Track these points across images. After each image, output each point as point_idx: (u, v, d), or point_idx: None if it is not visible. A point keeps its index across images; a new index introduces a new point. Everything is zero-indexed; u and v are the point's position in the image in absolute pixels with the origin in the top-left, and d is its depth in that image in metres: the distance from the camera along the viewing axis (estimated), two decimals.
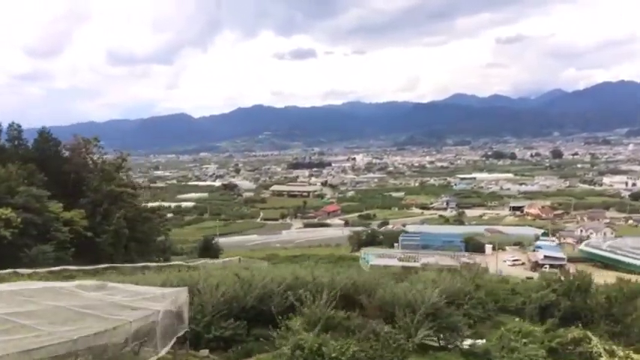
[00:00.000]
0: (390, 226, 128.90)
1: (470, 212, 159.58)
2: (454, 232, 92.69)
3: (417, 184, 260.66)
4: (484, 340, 19.23)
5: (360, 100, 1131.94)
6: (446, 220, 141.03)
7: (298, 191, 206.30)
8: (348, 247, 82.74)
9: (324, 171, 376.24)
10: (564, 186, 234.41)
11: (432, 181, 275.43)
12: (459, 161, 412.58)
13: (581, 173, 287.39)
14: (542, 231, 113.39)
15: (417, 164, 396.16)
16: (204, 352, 15.66)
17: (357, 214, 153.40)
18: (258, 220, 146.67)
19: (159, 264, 31.01)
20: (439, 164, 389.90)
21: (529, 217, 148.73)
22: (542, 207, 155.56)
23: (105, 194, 37.82)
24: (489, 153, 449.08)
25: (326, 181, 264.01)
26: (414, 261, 51.43)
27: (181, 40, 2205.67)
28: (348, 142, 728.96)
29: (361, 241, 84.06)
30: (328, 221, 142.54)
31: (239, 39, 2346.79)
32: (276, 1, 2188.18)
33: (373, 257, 56.26)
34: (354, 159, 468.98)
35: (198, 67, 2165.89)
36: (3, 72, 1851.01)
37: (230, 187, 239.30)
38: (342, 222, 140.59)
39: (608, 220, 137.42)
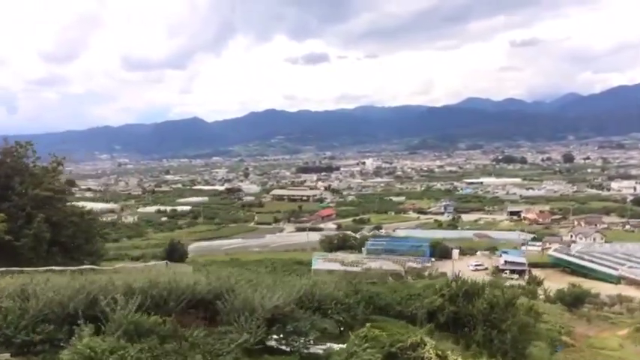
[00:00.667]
0: (382, 231, 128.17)
1: (467, 217, 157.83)
2: (430, 236, 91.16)
3: (422, 189, 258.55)
4: (343, 345, 19.04)
5: (374, 104, 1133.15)
6: (439, 225, 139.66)
7: (298, 195, 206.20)
8: (320, 251, 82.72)
9: (333, 175, 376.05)
10: (571, 191, 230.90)
11: (438, 185, 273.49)
12: (468, 165, 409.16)
13: (591, 178, 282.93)
14: (531, 236, 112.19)
15: (425, 168, 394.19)
16: (5, 355, 15.51)
17: (351, 219, 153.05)
18: (252, 224, 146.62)
19: (67, 268, 30.82)
20: (448, 169, 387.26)
21: (526, 222, 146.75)
22: (540, 212, 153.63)
23: (30, 198, 37.75)
24: (500, 157, 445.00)
25: (329, 185, 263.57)
26: (357, 265, 50.95)
27: (195, 45, 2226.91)
28: (360, 147, 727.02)
29: (332, 246, 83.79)
30: (321, 225, 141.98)
31: (252, 43, 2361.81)
32: (289, 5, 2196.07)
33: (319, 261, 55.89)
34: (363, 163, 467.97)
35: (211, 72, 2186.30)
36: (20, 77, 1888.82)
37: (233, 191, 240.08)
38: (335, 226, 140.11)
39: (605, 226, 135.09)
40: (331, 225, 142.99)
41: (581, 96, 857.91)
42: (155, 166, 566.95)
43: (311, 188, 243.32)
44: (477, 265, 68.98)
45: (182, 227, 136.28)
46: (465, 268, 67.00)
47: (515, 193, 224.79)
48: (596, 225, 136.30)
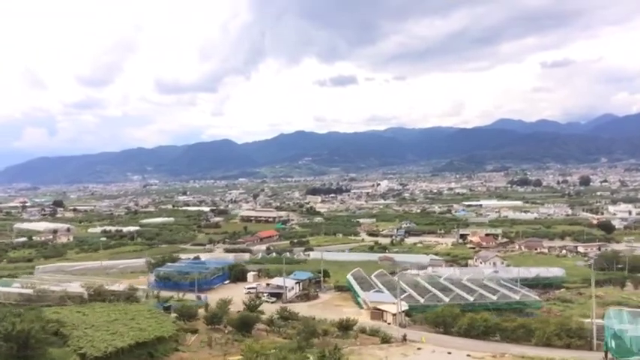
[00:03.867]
0: (309, 252, 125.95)
1: (412, 239, 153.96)
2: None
3: (418, 211, 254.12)
4: None
5: (404, 125, 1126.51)
6: (370, 248, 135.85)
7: (264, 217, 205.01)
8: (146, 271, 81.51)
9: (339, 197, 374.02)
10: (564, 214, 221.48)
11: (436, 207, 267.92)
12: (480, 187, 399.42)
13: (593, 201, 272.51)
14: (436, 258, 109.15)
15: (435, 190, 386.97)
16: None
17: (290, 240, 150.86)
18: (188, 245, 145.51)
19: None
20: (457, 191, 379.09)
21: (469, 245, 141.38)
22: (486, 235, 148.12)
23: None
24: (515, 179, 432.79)
25: (311, 207, 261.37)
26: (32, 287, 49.50)
27: (226, 69, 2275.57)
28: (387, 168, 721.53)
29: (157, 266, 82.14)
30: (255, 248, 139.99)
31: (282, 66, 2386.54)
32: (319, 29, 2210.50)
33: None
34: (378, 184, 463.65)
35: (242, 95, 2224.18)
36: (59, 101, 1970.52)
37: (217, 212, 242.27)
38: (264, 247, 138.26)
39: (546, 250, 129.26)
40: (262, 247, 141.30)
41: (617, 117, 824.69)
42: (178, 187, 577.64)
43: (282, 210, 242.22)
44: (249, 289, 66.51)
45: (111, 247, 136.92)
46: (242, 291, 65.38)
47: (506, 216, 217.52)
48: (535, 249, 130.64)
